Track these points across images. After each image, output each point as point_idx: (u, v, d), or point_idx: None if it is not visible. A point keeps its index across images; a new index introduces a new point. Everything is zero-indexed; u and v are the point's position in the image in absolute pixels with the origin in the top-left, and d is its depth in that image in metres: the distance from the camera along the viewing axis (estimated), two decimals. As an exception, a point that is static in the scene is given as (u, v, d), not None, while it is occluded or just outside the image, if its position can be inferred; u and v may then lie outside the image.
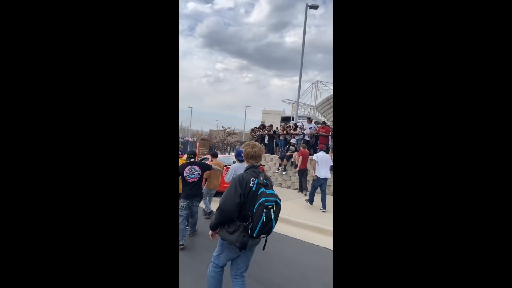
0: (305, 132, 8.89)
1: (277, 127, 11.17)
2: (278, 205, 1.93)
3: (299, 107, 14.56)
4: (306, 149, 7.34)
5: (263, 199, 1.85)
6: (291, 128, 9.54)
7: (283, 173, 8.60)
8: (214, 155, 5.71)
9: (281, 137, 9.67)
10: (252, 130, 13.16)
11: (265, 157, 10.12)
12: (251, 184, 1.90)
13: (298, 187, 7.68)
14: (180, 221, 3.66)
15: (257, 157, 2.07)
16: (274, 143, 10.49)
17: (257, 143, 2.19)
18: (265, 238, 2.01)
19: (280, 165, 8.78)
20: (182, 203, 3.81)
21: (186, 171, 3.86)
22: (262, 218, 1.81)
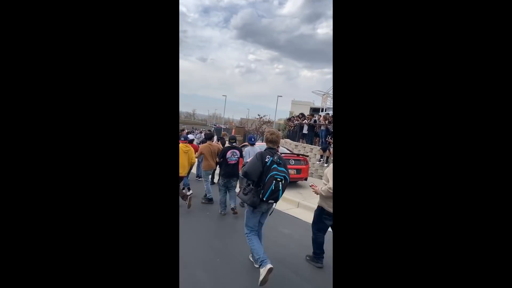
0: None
1: (317, 116, 10.43)
2: (286, 180, 2.47)
3: (328, 98, 13.44)
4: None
5: (274, 172, 2.40)
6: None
7: (325, 165, 7.97)
8: (209, 137, 5.24)
9: (322, 127, 8.97)
10: (289, 119, 12.59)
11: (305, 147, 9.53)
12: (266, 160, 2.46)
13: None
14: (220, 196, 4.48)
15: (274, 142, 2.60)
16: (314, 133, 9.84)
17: (276, 131, 2.70)
18: (273, 207, 2.70)
19: (321, 156, 8.16)
20: (221, 181, 4.46)
21: (229, 154, 4.38)
22: (271, 187, 2.38)
